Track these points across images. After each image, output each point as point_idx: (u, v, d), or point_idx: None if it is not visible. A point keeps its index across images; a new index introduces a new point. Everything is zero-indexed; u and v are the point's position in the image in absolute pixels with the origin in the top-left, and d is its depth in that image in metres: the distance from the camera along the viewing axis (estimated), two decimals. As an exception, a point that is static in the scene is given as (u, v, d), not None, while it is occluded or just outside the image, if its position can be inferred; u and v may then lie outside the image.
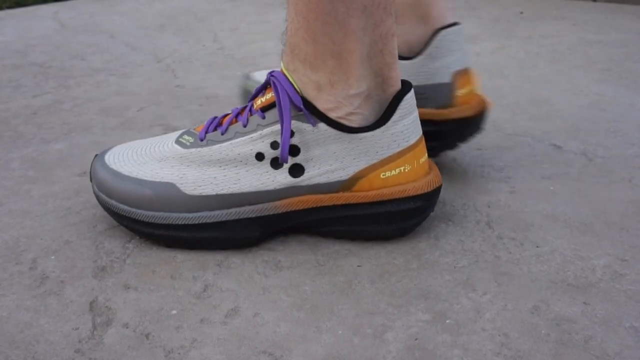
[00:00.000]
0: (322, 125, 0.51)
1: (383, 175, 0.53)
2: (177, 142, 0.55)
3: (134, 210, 0.53)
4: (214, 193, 0.53)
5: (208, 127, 0.55)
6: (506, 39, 1.23)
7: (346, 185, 0.53)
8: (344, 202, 0.53)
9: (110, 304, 0.47)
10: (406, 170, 0.53)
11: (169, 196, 0.53)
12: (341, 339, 0.44)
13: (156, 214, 0.53)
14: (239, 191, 0.53)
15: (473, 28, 1.31)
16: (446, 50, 0.62)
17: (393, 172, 0.53)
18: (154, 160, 0.55)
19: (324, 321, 0.46)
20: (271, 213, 0.53)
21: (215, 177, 0.53)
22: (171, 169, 0.54)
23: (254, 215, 0.53)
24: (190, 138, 0.55)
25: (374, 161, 0.52)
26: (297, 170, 0.52)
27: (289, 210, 0.53)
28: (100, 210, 0.60)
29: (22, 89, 0.96)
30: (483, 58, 1.10)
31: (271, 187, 0.52)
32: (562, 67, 1.05)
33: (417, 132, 0.54)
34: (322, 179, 0.53)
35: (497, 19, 1.40)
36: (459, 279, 0.50)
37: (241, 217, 0.53)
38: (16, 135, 0.78)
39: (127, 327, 0.45)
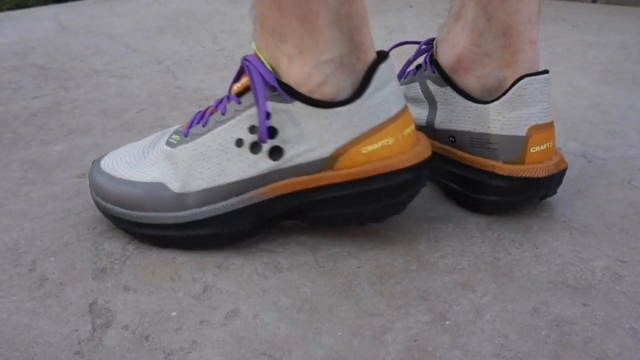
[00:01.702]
0: (297, 103, 0.50)
1: (364, 150, 0.51)
2: (167, 142, 0.56)
3: (128, 212, 0.54)
4: (200, 189, 0.53)
5: (192, 122, 0.55)
6: (506, 40, 1.23)
7: (328, 164, 0.52)
8: (327, 183, 0.52)
9: (110, 306, 0.48)
10: (389, 143, 0.51)
11: (159, 196, 0.53)
12: (341, 341, 0.44)
13: (148, 214, 0.53)
14: (223, 182, 0.52)
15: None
16: (529, 100, 0.56)
17: (375, 146, 0.51)
18: (146, 162, 0.55)
19: (324, 323, 0.46)
20: (257, 201, 0.53)
21: (200, 172, 0.53)
22: (162, 169, 0.54)
23: (241, 207, 0.53)
24: (177, 136, 0.55)
25: (354, 136, 0.51)
26: (276, 153, 0.51)
27: (274, 196, 0.53)
28: (99, 212, 0.60)
29: (22, 90, 0.96)
30: (482, 59, 1.10)
31: (253, 174, 0.52)
32: (562, 69, 1.05)
33: (398, 102, 0.52)
34: (303, 159, 0.51)
35: (496, 21, 1.40)
36: (458, 280, 0.50)
37: (229, 210, 0.53)
38: (16, 137, 0.78)
39: (126, 329, 0.45)
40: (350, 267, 0.52)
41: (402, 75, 0.64)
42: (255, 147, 0.52)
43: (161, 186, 0.53)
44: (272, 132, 0.51)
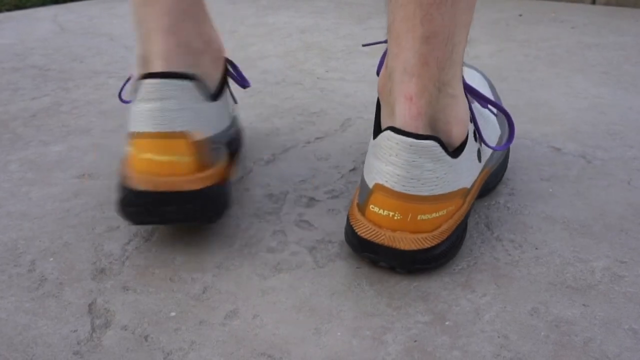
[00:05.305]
0: None
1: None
2: None
3: None
4: None
5: None
6: (505, 42, 1.23)
7: None
8: None
9: (109, 306, 0.47)
10: (131, 152, 0.53)
11: None
12: (340, 341, 0.44)
13: None
14: None
15: (472, 31, 1.31)
16: None
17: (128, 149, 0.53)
18: None
19: (323, 323, 0.46)
20: None
21: None
22: None
23: None
24: None
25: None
26: None
27: None
28: (99, 212, 0.60)
29: (21, 91, 0.96)
30: (482, 61, 1.11)
31: None
32: (561, 70, 1.05)
33: (138, 125, 0.52)
34: None
35: (495, 22, 1.40)
36: (458, 281, 0.50)
37: None
38: (15, 138, 0.78)
39: (125, 329, 0.45)
40: (349, 268, 0.52)
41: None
42: None
43: None
44: None
